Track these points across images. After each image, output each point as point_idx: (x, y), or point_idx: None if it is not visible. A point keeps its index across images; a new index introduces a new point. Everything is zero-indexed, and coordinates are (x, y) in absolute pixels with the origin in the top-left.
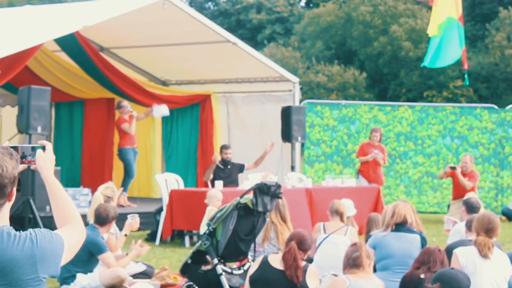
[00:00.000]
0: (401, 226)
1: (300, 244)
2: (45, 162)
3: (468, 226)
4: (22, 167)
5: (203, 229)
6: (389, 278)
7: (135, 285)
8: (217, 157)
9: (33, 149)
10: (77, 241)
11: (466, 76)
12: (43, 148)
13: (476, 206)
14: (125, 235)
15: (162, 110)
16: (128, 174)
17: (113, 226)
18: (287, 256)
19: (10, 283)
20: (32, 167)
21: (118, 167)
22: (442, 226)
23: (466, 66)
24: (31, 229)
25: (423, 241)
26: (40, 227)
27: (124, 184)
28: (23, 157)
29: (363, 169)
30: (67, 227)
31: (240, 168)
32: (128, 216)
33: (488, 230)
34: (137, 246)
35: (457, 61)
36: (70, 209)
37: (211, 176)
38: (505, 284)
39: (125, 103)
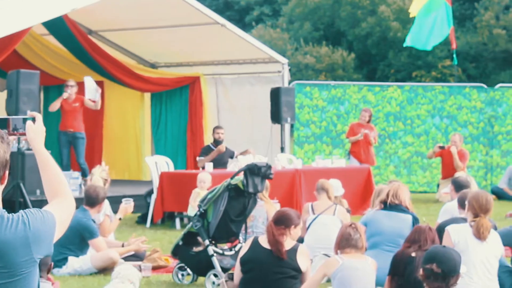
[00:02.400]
0: (394, 206)
1: (278, 222)
2: (36, 133)
3: (461, 203)
4: (12, 138)
5: (191, 211)
6: (379, 256)
7: (119, 266)
8: (223, 148)
9: (24, 121)
10: (68, 215)
11: (454, 55)
12: (33, 119)
13: (465, 184)
14: (120, 219)
15: (90, 87)
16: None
17: (108, 209)
18: (267, 235)
19: (5, 266)
20: (23, 138)
21: (108, 150)
22: (432, 205)
23: (454, 46)
24: (22, 210)
25: (415, 221)
26: None
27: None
28: (14, 129)
29: (354, 149)
30: (57, 201)
31: (231, 154)
32: (123, 200)
33: (486, 210)
34: (138, 242)
35: (445, 40)
36: (60, 181)
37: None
38: (496, 262)
39: (67, 83)
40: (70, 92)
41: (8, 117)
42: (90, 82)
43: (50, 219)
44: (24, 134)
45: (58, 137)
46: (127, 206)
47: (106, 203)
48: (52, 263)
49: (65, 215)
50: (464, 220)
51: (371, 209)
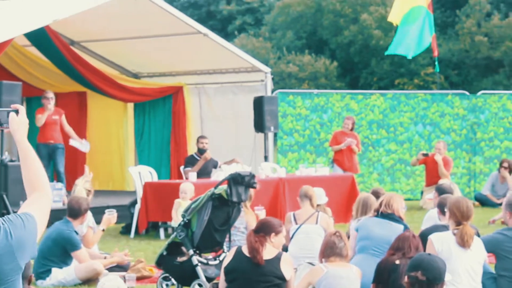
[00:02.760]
0: (388, 215)
1: (258, 230)
2: (19, 125)
3: (441, 209)
4: None
5: (174, 222)
6: (365, 260)
7: (104, 277)
8: (209, 155)
9: (8, 114)
10: (46, 211)
11: (436, 63)
12: (17, 111)
13: (448, 191)
14: (103, 230)
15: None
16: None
17: (91, 220)
18: (247, 243)
19: None
20: (6, 130)
21: (91, 160)
22: (416, 212)
23: (436, 53)
24: (1, 219)
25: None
26: None
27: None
28: None
29: (338, 157)
30: (35, 196)
31: (214, 164)
32: (106, 210)
33: (468, 217)
34: (122, 254)
35: (427, 48)
36: (39, 175)
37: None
38: (480, 269)
39: (49, 94)
40: (51, 104)
41: None
42: (75, 143)
43: (31, 222)
44: (7, 128)
45: (38, 149)
46: (110, 217)
47: (89, 214)
48: (33, 275)
49: (44, 211)
50: (445, 227)
51: (353, 221)
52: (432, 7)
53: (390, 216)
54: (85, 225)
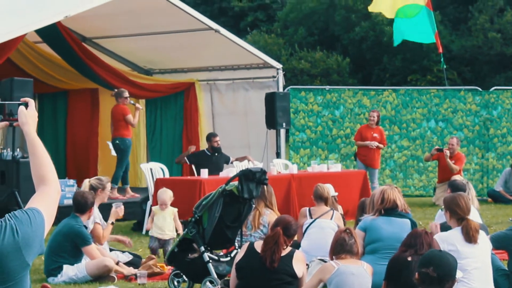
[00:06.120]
0: (391, 211)
1: (286, 230)
2: (27, 118)
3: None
4: (4, 124)
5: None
6: (377, 262)
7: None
8: (193, 148)
9: (18, 106)
10: (54, 206)
11: (442, 59)
12: (26, 105)
13: (461, 187)
14: (112, 223)
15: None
16: (121, 166)
17: (98, 216)
18: (269, 239)
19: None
20: (15, 124)
21: (103, 158)
22: (428, 209)
23: (440, 50)
24: (7, 215)
25: (413, 226)
26: None
27: (115, 178)
28: (10, 115)
29: (361, 152)
30: (43, 190)
31: (226, 159)
32: (113, 204)
33: (469, 210)
34: (113, 209)
35: (435, 44)
36: (47, 168)
37: (184, 160)
38: (489, 261)
39: (127, 93)
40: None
41: (4, 102)
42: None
43: (37, 218)
44: (16, 120)
45: (130, 144)
46: (117, 209)
47: (96, 211)
48: None
49: (51, 207)
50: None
51: (367, 215)
52: (431, 5)
53: (394, 211)
54: (91, 221)
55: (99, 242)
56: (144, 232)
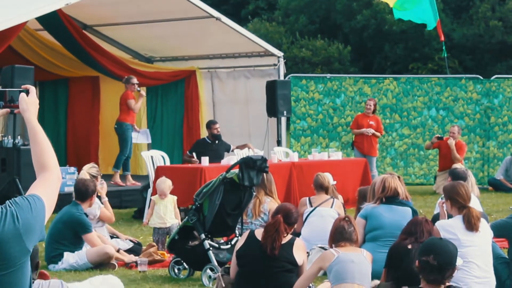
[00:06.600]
0: (392, 199)
1: (286, 217)
2: (28, 105)
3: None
4: (5, 111)
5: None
6: (377, 250)
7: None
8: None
9: (20, 93)
10: (55, 193)
11: (444, 47)
12: (27, 92)
13: (462, 175)
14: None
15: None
16: (122, 151)
17: (97, 202)
18: (269, 227)
19: (0, 259)
20: (16, 111)
21: (104, 145)
22: (429, 197)
23: (442, 38)
24: (8, 201)
25: (414, 214)
26: None
27: (117, 162)
28: (11, 101)
29: (357, 140)
30: (44, 177)
31: (227, 147)
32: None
33: (469, 198)
34: (131, 256)
35: (434, 28)
36: (48, 155)
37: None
38: (490, 250)
39: (135, 80)
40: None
41: (4, 89)
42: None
43: (38, 204)
44: (17, 107)
45: (127, 128)
46: (99, 188)
47: (97, 200)
48: (39, 261)
49: (52, 193)
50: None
51: (368, 203)
52: None
53: (395, 200)
54: (98, 208)
55: (111, 221)
56: (144, 222)
